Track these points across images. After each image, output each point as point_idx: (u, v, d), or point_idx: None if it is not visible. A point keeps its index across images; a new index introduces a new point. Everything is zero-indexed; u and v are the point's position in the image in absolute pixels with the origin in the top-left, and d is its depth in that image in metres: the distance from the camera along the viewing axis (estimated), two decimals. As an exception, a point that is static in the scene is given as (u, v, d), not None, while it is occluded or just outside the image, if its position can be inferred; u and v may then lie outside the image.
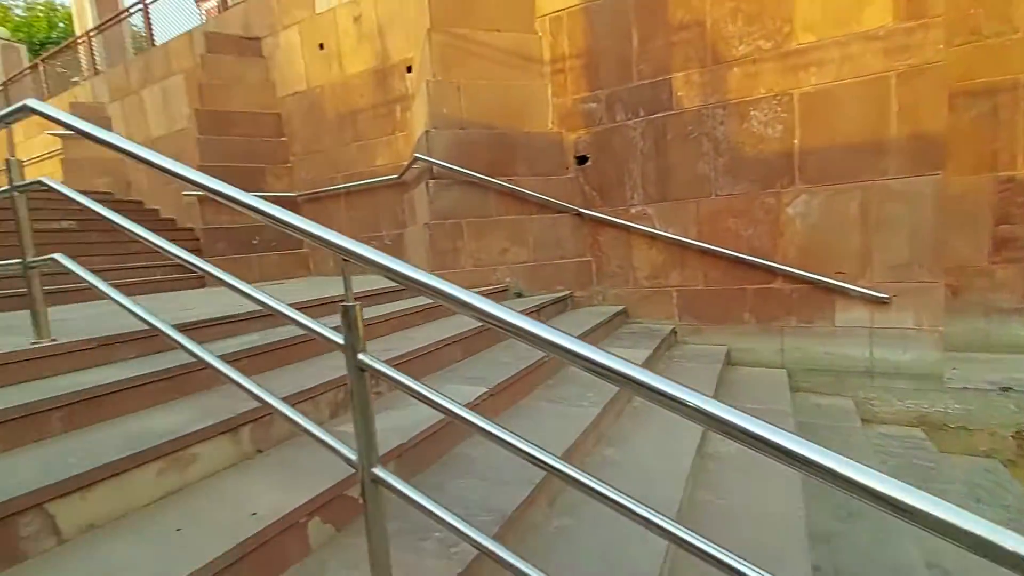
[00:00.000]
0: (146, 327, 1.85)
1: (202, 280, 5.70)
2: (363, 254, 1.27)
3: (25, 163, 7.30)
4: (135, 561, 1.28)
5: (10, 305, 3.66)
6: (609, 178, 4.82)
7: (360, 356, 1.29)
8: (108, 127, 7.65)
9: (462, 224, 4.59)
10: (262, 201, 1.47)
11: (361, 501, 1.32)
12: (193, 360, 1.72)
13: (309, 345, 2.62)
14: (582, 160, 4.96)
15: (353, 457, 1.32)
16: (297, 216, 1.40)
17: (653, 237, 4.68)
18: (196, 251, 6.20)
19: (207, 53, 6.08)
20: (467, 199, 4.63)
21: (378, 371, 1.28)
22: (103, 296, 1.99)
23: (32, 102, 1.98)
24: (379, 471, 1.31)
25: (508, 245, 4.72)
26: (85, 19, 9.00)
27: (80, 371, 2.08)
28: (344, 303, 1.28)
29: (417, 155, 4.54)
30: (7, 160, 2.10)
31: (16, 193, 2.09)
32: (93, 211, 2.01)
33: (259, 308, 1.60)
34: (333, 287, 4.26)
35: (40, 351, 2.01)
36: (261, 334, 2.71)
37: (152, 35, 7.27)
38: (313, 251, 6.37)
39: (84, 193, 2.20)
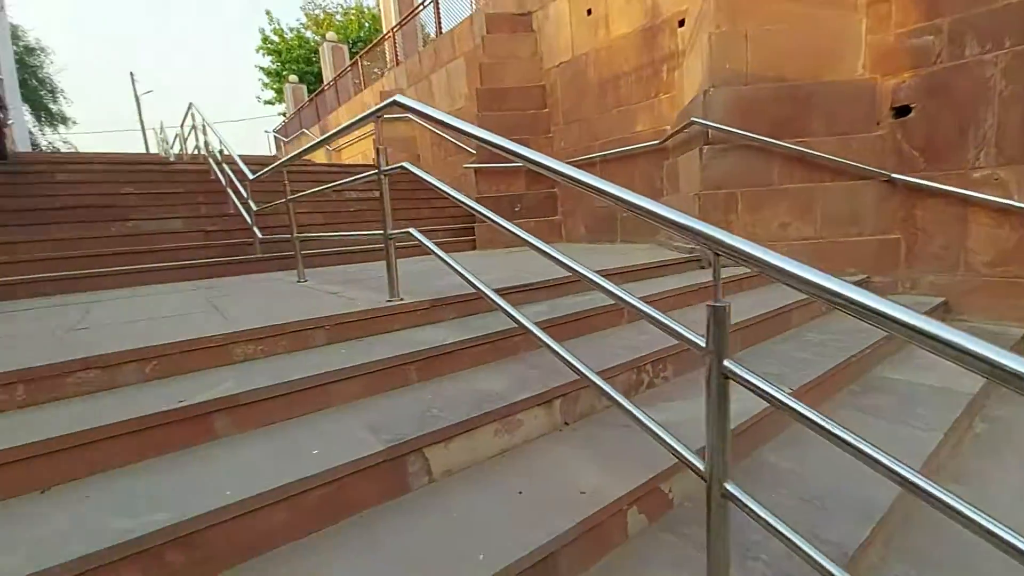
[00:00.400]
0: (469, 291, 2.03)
1: (472, 243, 6.38)
2: (744, 249, 1.09)
3: (349, 143, 9.14)
4: (493, 517, 1.40)
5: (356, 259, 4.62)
6: (943, 133, 3.71)
7: (726, 363, 1.13)
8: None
9: (737, 194, 4.09)
10: (611, 185, 1.40)
11: (706, 512, 1.20)
12: (507, 326, 1.81)
13: (599, 318, 2.64)
14: (901, 112, 3.91)
15: (701, 467, 1.20)
16: (658, 204, 1.28)
17: (1005, 211, 3.49)
18: (467, 217, 7.00)
19: (487, 34, 6.57)
20: (745, 166, 4.09)
21: (747, 382, 1.11)
22: (428, 253, 2.26)
23: (400, 98, 2.30)
24: (732, 487, 1.16)
25: (789, 219, 4.06)
26: (390, 19, 10.70)
27: (418, 327, 2.43)
28: (713, 302, 1.13)
29: (693, 119, 4.15)
30: (377, 149, 2.50)
31: (382, 176, 2.48)
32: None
33: (555, 277, 1.58)
34: (598, 257, 4.28)
35: (393, 308, 2.40)
36: (549, 304, 2.82)
37: (440, 24, 8.21)
38: (565, 218, 6.55)
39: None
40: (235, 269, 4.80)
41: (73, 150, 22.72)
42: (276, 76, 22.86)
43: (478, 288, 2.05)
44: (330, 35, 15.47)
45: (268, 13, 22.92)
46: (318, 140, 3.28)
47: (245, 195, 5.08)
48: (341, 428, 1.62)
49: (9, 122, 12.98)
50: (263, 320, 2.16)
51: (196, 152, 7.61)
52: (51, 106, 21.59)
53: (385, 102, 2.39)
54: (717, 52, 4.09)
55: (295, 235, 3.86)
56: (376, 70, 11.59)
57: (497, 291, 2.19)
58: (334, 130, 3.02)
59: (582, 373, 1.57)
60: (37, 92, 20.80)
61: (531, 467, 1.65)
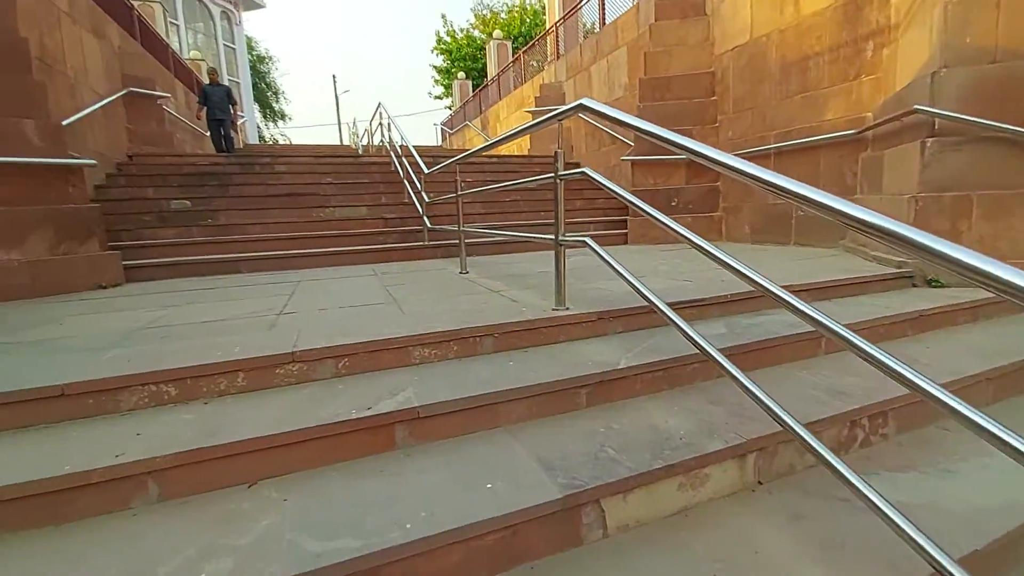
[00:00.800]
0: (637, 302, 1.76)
1: (624, 237, 6.00)
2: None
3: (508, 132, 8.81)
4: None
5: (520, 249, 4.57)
6: None
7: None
8: (562, 100, 8.85)
9: (971, 198, 3.18)
10: (799, 184, 1.03)
11: None
12: (680, 347, 1.50)
13: (788, 347, 2.18)
14: None
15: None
16: (863, 209, 0.89)
17: None
18: (621, 210, 6.61)
19: (655, 21, 6.02)
20: (985, 164, 3.15)
21: None
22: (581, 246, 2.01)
23: (587, 101, 2.07)
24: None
25: (1052, 233, 3.04)
26: (554, 14, 10.50)
27: (583, 340, 2.23)
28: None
29: (916, 106, 3.29)
30: (556, 153, 2.32)
31: (558, 180, 2.29)
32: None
33: (734, 292, 1.21)
34: (771, 261, 3.64)
35: (559, 319, 2.22)
36: (725, 323, 2.42)
37: (604, 15, 7.79)
38: (727, 215, 5.83)
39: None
40: (406, 254, 5.09)
41: (288, 142, 26.73)
42: (446, 73, 24.24)
43: (651, 302, 1.77)
44: (496, 33, 15.80)
45: (443, 16, 24.00)
46: (496, 139, 3.20)
47: (419, 187, 5.33)
48: (512, 459, 1.48)
49: (242, 119, 15.71)
50: (436, 321, 2.13)
51: (381, 145, 8.28)
52: (274, 105, 25.63)
53: (571, 105, 2.18)
54: (954, 23, 3.18)
55: (461, 227, 3.89)
56: (533, 62, 11.53)
57: (670, 305, 1.89)
58: (512, 131, 2.90)
59: (783, 422, 1.24)
60: (264, 94, 24.80)
61: (720, 535, 1.35)
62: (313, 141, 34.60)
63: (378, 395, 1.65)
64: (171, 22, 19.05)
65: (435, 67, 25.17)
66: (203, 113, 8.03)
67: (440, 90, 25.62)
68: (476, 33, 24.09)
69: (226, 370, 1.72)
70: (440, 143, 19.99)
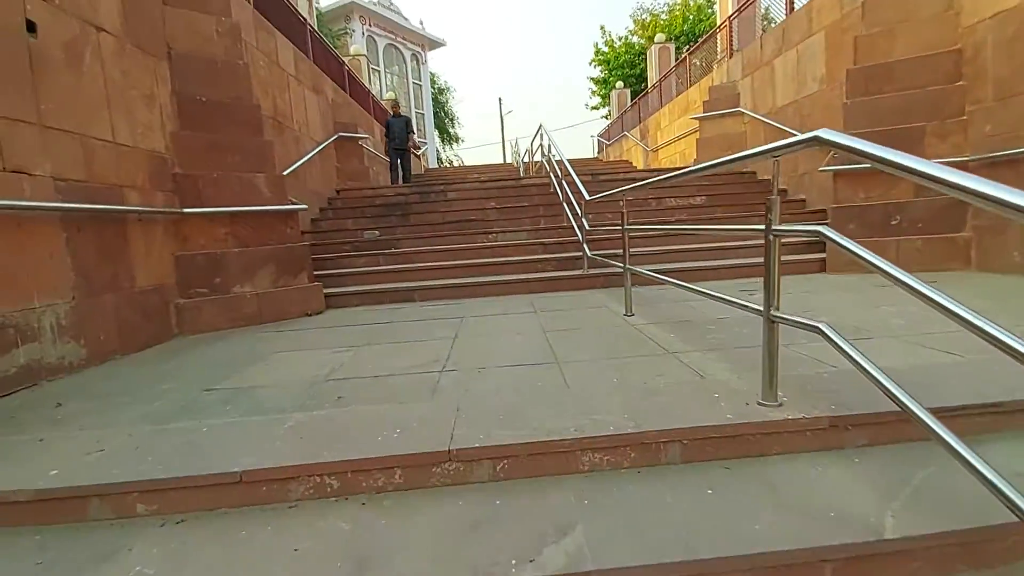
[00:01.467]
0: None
1: (821, 263, 4.79)
2: None
3: (667, 143, 8.19)
4: None
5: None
6: None
7: None
8: (736, 103, 7.65)
9: None
10: None
11: None
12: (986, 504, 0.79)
13: None
14: None
15: None
16: None
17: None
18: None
19: (871, -4, 4.69)
20: None
21: None
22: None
23: (823, 132, 1.42)
24: None
25: None
26: (726, 8, 9.21)
27: (809, 456, 1.57)
28: None
29: None
30: (767, 203, 1.69)
31: (771, 238, 1.67)
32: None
33: None
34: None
35: (772, 424, 1.60)
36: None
37: (792, 1, 6.45)
38: (980, 236, 4.26)
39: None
40: (566, 284, 4.74)
41: (460, 162, 28.86)
42: (603, 84, 23.59)
43: (910, 411, 1.08)
44: (658, 37, 14.68)
45: (602, 28, 23.38)
46: (700, 167, 2.63)
47: (579, 212, 4.94)
48: None
49: (424, 147, 17.21)
50: (606, 408, 1.70)
51: (540, 164, 8.13)
52: (450, 130, 27.87)
53: (801, 138, 1.54)
54: None
55: (627, 266, 3.38)
56: (696, 61, 10.29)
57: (942, 413, 1.16)
58: (720, 160, 2.31)
59: None
60: (443, 120, 27.09)
61: None
62: (481, 160, 36.95)
63: (541, 531, 1.28)
64: (373, 68, 21.90)
65: (592, 79, 24.67)
66: (386, 142, 8.78)
67: (596, 100, 25.04)
68: (635, 39, 22.93)
69: (385, 465, 1.52)
70: (597, 154, 19.44)
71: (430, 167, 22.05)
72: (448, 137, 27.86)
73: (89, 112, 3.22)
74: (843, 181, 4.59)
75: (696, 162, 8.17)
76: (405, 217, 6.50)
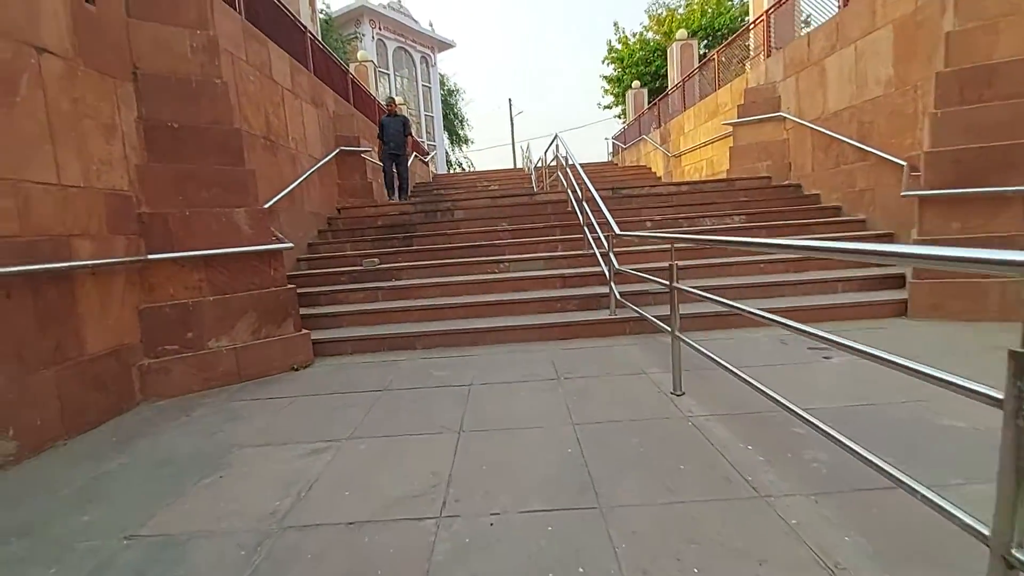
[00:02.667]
0: None
1: (901, 306, 3.97)
2: None
3: (691, 149, 7.44)
4: None
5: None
6: None
7: None
8: (776, 107, 6.86)
9: None
10: None
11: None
12: None
13: None
14: None
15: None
16: None
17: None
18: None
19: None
20: None
21: None
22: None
23: None
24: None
25: None
26: (761, 2, 8.39)
27: None
28: None
29: None
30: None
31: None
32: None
33: None
34: None
35: None
36: None
37: (846, -11, 5.64)
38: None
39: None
40: (588, 330, 4.06)
41: (470, 164, 28.19)
42: (617, 82, 22.69)
43: None
44: (680, 33, 13.81)
45: (615, 24, 22.49)
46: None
47: (606, 246, 4.25)
48: None
49: (432, 153, 16.56)
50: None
51: (554, 174, 7.45)
52: (460, 132, 27.24)
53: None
54: None
55: (677, 333, 2.68)
56: (723, 59, 9.48)
57: None
58: None
59: None
60: (452, 123, 26.48)
61: None
62: (490, 163, 36.25)
63: None
64: (382, 71, 21.37)
65: (605, 77, 23.77)
66: (380, 145, 7.69)
67: (609, 99, 24.14)
68: (650, 35, 21.98)
69: None
70: (611, 158, 18.60)
71: (439, 172, 21.51)
72: (458, 139, 27.24)
73: (23, 151, 2.65)
74: (932, 209, 3.81)
75: (729, 173, 7.40)
76: (408, 241, 5.88)
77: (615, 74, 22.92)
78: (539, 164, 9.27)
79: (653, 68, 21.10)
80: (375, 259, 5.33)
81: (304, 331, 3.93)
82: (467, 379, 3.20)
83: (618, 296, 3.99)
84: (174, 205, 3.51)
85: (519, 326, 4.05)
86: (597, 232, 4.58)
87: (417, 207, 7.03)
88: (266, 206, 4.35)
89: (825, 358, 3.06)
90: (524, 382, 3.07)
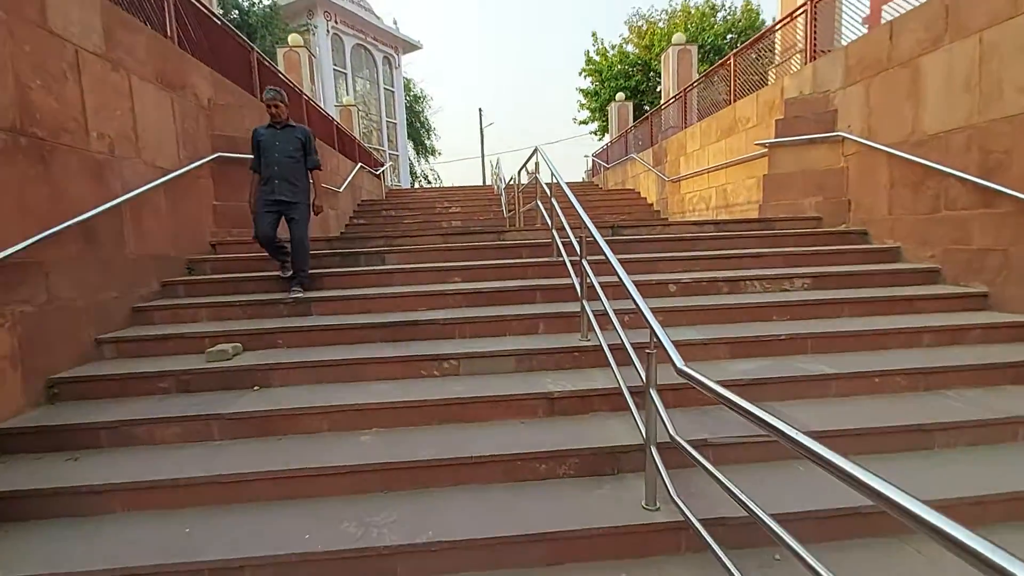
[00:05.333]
0: None
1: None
2: None
3: (695, 174, 5.25)
4: None
5: None
6: None
7: None
8: (830, 124, 5.06)
9: None
10: None
11: None
12: None
13: None
14: None
15: None
16: None
17: None
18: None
19: None
20: None
21: None
22: None
23: None
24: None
25: None
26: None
27: None
28: None
29: None
30: None
31: None
32: None
33: None
34: None
35: None
36: None
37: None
38: None
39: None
40: (610, 547, 1.98)
41: (436, 177, 25.96)
42: (594, 96, 21.11)
43: None
44: (676, 37, 12.20)
45: (594, 34, 20.97)
46: None
47: (633, 359, 2.17)
48: None
49: (384, 168, 14.17)
50: None
51: (532, 201, 5.41)
52: (426, 141, 25.01)
53: None
54: None
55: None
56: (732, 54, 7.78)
57: None
58: None
59: None
60: (418, 131, 24.24)
61: None
62: (460, 177, 34.09)
63: None
64: (338, 71, 18.99)
65: (582, 90, 22.16)
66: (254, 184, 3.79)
67: (585, 114, 22.51)
68: (630, 48, 20.56)
69: None
70: (584, 177, 16.82)
71: (399, 186, 19.11)
72: (424, 149, 25.02)
73: None
74: None
75: (762, 208, 5.55)
76: (303, 307, 3.67)
77: (593, 87, 21.35)
78: (511, 182, 7.24)
79: (633, 83, 19.64)
80: (228, 348, 3.08)
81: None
82: None
83: (665, 478, 1.92)
84: None
85: (458, 542, 1.92)
86: (614, 322, 2.52)
87: (335, 245, 4.82)
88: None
89: None
90: None
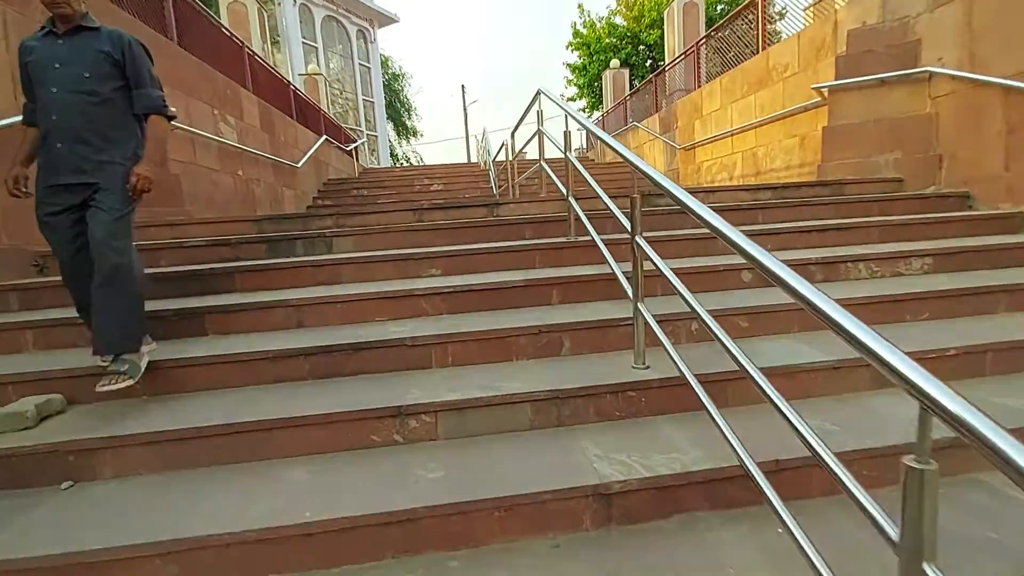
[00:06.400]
0: None
1: None
2: None
3: (716, 138, 3.78)
4: None
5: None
6: None
7: None
8: (913, 59, 3.81)
9: None
10: None
11: None
12: None
13: None
14: None
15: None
16: None
17: None
18: None
19: None
20: None
21: None
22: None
23: None
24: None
25: None
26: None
27: None
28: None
29: None
30: None
31: None
32: None
33: None
34: None
35: None
36: None
37: None
38: None
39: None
40: None
41: (419, 159, 24.33)
42: (582, 71, 19.59)
43: None
44: (683, -14, 10.75)
45: (580, 6, 19.36)
46: None
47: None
48: None
49: (357, 144, 12.55)
50: None
51: (529, 168, 4.09)
52: (407, 122, 23.25)
53: None
54: None
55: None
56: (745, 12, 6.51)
57: None
58: None
59: None
60: (398, 111, 22.46)
61: None
62: (442, 158, 32.31)
63: None
64: (308, 45, 17.17)
65: (569, 65, 20.60)
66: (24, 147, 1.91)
67: (573, 91, 21.00)
68: (619, 20, 19.05)
69: None
70: (577, 152, 15.44)
71: (377, 166, 17.48)
72: (404, 130, 23.29)
73: None
74: None
75: (820, 168, 4.31)
76: (196, 325, 2.33)
77: (580, 61, 19.83)
78: (501, 153, 5.90)
79: (623, 55, 18.16)
80: (33, 407, 1.76)
81: None
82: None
83: None
84: None
85: None
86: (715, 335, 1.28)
87: (263, 227, 3.45)
88: None
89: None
90: None
